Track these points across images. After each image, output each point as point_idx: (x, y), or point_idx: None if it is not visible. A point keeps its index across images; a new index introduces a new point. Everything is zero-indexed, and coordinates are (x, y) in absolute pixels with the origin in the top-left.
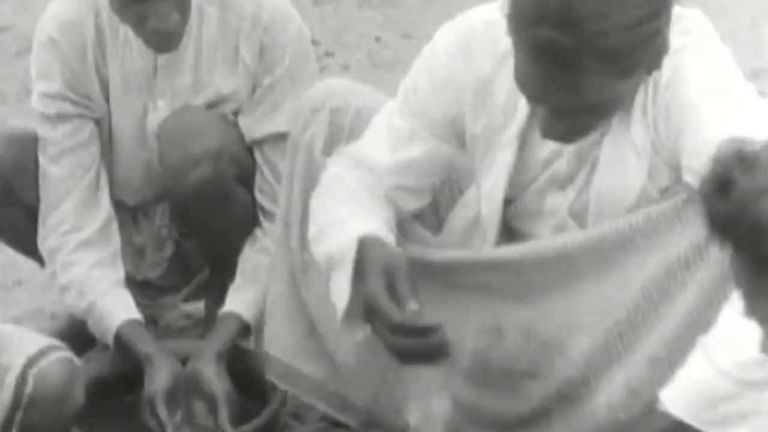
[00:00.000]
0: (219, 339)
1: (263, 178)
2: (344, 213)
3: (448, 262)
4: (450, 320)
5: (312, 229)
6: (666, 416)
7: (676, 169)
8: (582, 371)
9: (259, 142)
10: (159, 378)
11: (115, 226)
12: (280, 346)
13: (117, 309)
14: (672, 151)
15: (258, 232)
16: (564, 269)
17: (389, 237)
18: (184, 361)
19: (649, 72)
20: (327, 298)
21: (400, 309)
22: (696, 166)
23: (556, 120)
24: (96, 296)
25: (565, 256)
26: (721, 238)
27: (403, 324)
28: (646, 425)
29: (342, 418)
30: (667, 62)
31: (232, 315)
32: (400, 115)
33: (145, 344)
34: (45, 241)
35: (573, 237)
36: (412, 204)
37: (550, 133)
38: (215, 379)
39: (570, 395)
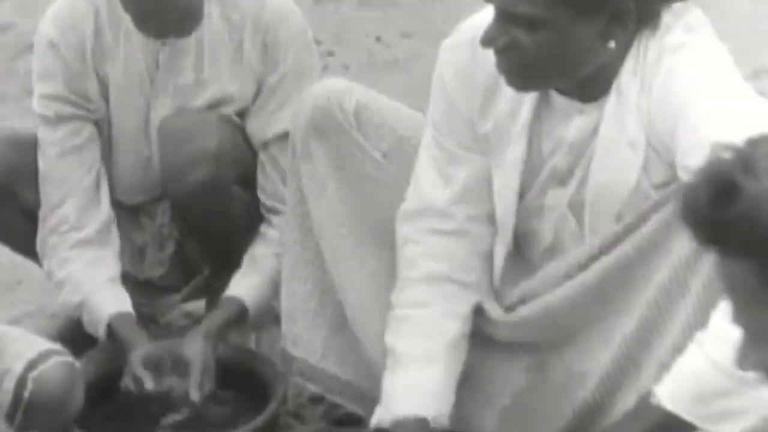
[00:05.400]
0: (212, 319)
1: (266, 177)
2: (401, 352)
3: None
4: (496, 366)
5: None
6: (660, 410)
7: (671, 166)
8: (594, 394)
9: (265, 143)
10: (138, 349)
11: (114, 227)
12: (304, 347)
13: (109, 303)
14: (667, 147)
15: (263, 227)
16: (591, 301)
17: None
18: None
19: (604, 37)
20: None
21: None
22: (691, 164)
23: (496, 27)
24: (90, 291)
25: (588, 287)
26: (718, 244)
27: None
28: (640, 419)
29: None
30: (665, 59)
31: (232, 299)
32: (436, 146)
33: (131, 335)
34: (45, 241)
35: (592, 267)
36: (490, 232)
37: (484, 39)
38: (194, 352)
39: (588, 418)
